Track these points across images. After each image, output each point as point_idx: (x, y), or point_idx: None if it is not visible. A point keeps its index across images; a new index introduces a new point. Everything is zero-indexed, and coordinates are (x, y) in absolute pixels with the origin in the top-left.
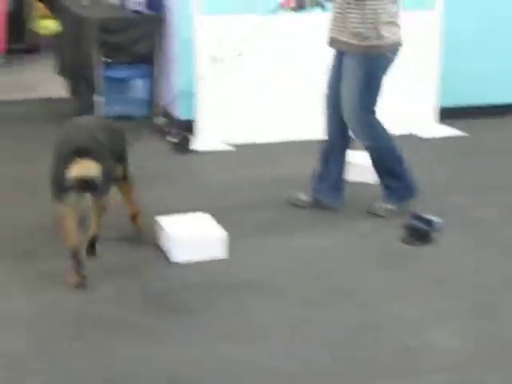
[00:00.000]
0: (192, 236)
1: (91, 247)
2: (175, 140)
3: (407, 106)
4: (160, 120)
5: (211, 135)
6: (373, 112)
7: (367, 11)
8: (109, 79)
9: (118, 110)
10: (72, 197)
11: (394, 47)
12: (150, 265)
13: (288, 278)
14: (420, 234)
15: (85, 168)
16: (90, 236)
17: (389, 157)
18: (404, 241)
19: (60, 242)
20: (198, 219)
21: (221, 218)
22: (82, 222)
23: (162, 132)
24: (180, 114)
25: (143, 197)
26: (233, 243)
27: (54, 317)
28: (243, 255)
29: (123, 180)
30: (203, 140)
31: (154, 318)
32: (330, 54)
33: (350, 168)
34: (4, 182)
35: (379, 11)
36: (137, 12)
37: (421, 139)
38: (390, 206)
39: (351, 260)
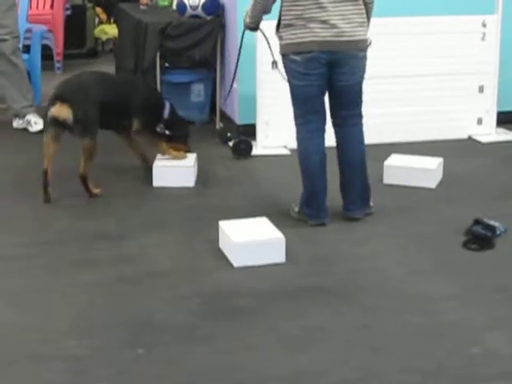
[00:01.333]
0: (253, 241)
1: (84, 185)
2: (235, 145)
3: (466, 111)
4: (220, 125)
5: (271, 140)
6: (299, 121)
7: (281, 12)
8: (169, 84)
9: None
10: (51, 131)
11: (294, 49)
12: (212, 270)
13: (346, 283)
14: (482, 239)
15: (58, 110)
16: (79, 174)
17: (300, 165)
18: (465, 246)
19: None
20: (258, 224)
21: (280, 222)
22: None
23: (222, 137)
24: (240, 118)
25: (205, 201)
26: (291, 248)
27: (116, 323)
28: (302, 260)
29: (138, 132)
30: (263, 145)
31: (215, 323)
32: None
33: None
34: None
35: (283, 12)
36: (195, 16)
37: (479, 143)
38: (296, 208)
39: (411, 265)
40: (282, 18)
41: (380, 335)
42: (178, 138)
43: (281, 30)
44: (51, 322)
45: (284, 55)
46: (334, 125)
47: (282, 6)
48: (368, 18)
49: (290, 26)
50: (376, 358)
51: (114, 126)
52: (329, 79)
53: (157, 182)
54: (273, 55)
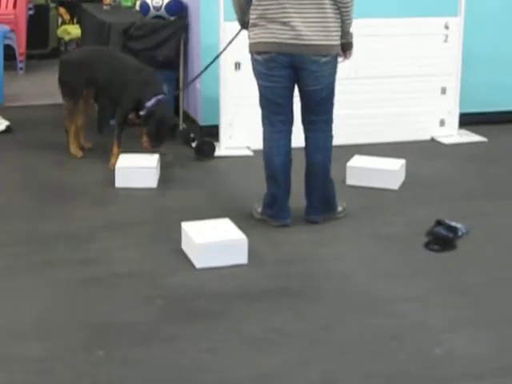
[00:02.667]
0: (215, 242)
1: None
2: (198, 146)
3: (428, 112)
4: (183, 126)
5: (234, 141)
6: (265, 121)
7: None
8: None
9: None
10: None
11: (256, 49)
12: (174, 271)
13: (310, 284)
14: (444, 240)
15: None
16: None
17: (264, 165)
18: (427, 247)
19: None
20: (221, 225)
21: (243, 223)
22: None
23: (185, 138)
24: (203, 119)
25: (168, 202)
26: (254, 249)
27: (77, 325)
28: (264, 261)
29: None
30: (226, 146)
31: (177, 325)
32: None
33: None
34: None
35: (250, 11)
36: (159, 17)
37: (442, 145)
38: (258, 209)
39: (373, 266)
40: (250, 17)
41: (342, 337)
42: (150, 134)
43: (249, 29)
44: (11, 323)
45: (250, 54)
46: (303, 128)
47: (251, 5)
48: (344, 22)
49: (254, 25)
50: (338, 360)
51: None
52: (296, 83)
53: (119, 183)
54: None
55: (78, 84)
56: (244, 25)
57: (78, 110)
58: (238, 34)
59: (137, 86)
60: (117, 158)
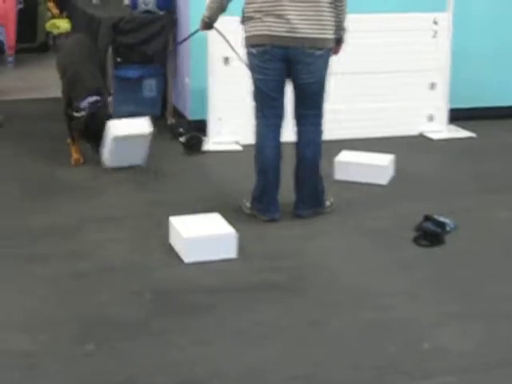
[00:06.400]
0: (203, 236)
1: None
2: (186, 140)
3: (417, 108)
4: (172, 120)
5: (222, 136)
6: (258, 114)
7: (244, 5)
8: (121, 79)
9: (130, 109)
10: None
11: (251, 42)
12: (163, 265)
13: (298, 279)
14: (432, 235)
15: None
16: None
17: (255, 158)
18: (416, 242)
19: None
20: (210, 219)
21: (232, 218)
22: None
23: (173, 132)
24: (191, 114)
25: (157, 196)
26: (243, 243)
27: (67, 318)
28: (253, 255)
29: None
30: (214, 140)
31: (166, 318)
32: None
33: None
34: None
35: (245, 5)
36: (148, 12)
37: (430, 140)
38: (247, 203)
39: (363, 261)
40: (245, 10)
41: (330, 331)
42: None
43: (244, 22)
44: (1, 317)
45: (246, 47)
46: (295, 122)
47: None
48: (338, 16)
49: (250, 18)
50: (327, 354)
51: None
52: (289, 76)
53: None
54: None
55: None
56: (212, 25)
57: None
58: (194, 32)
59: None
60: (75, 152)
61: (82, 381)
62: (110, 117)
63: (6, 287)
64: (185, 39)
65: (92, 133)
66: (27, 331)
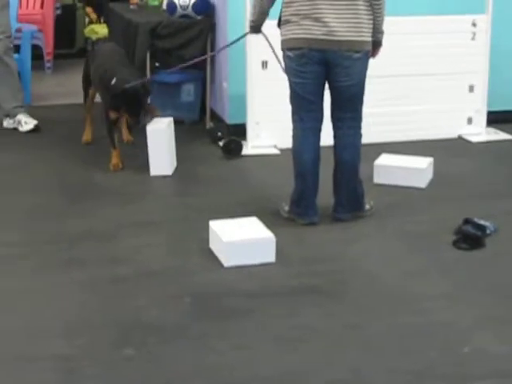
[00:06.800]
0: (243, 240)
1: None
2: (225, 144)
3: (456, 110)
4: (210, 124)
5: (261, 140)
6: (295, 117)
7: (282, 8)
8: (159, 84)
9: (168, 114)
10: None
11: (288, 45)
12: (202, 269)
13: (337, 282)
14: (472, 239)
15: None
16: None
17: (293, 162)
18: (456, 246)
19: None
20: (248, 223)
21: (271, 222)
22: None
23: (212, 136)
24: (229, 118)
25: (196, 201)
26: (282, 247)
27: (105, 323)
28: (292, 260)
29: None
30: (253, 144)
31: (205, 323)
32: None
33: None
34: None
35: (283, 9)
36: (185, 16)
37: (469, 143)
38: (286, 207)
39: (401, 265)
40: (282, 14)
41: (370, 335)
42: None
43: (281, 26)
44: (40, 322)
45: (282, 51)
46: (333, 125)
47: (283, 2)
48: (376, 19)
49: (287, 22)
50: (366, 358)
51: None
52: (327, 79)
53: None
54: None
55: (85, 78)
56: (259, 29)
57: (88, 103)
58: (243, 36)
59: (104, 84)
60: (115, 157)
61: None
62: (150, 92)
63: (44, 292)
64: (232, 42)
65: (132, 107)
66: (66, 336)
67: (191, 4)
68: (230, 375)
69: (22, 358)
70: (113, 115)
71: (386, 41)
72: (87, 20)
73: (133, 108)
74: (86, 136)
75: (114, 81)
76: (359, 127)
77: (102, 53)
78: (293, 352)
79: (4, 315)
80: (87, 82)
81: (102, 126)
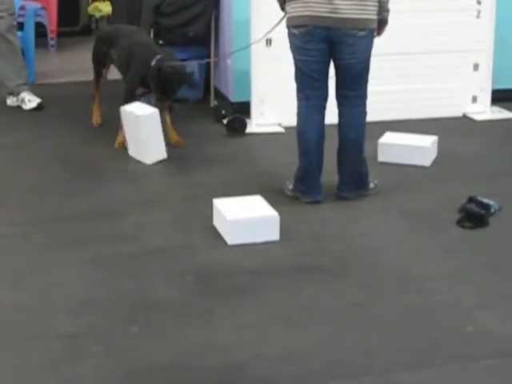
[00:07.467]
0: (247, 218)
1: None
2: (229, 122)
3: (460, 89)
4: (214, 103)
5: (265, 118)
6: (299, 95)
7: None
8: None
9: None
10: None
11: (292, 22)
12: (206, 247)
13: (341, 261)
14: (476, 217)
15: None
16: None
17: (297, 140)
18: (460, 224)
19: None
20: (252, 201)
21: (274, 200)
22: None
23: (216, 114)
24: (234, 96)
25: (200, 179)
26: (286, 226)
27: (111, 300)
28: (296, 238)
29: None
30: (257, 122)
31: (209, 301)
32: None
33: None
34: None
35: None
36: None
37: (474, 121)
38: (290, 186)
39: (406, 244)
40: None
41: (373, 314)
42: (157, 87)
43: (286, 3)
44: (45, 299)
45: (287, 28)
46: (337, 103)
47: None
48: None
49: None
50: (369, 337)
51: None
52: (332, 57)
53: (150, 159)
54: None
55: (99, 58)
56: (282, 8)
57: (101, 83)
58: (282, 19)
59: (141, 60)
60: (120, 135)
61: (126, 362)
62: (183, 73)
63: (49, 270)
64: (271, 30)
65: (164, 87)
66: (71, 314)
67: None
68: (233, 354)
69: (27, 335)
70: (140, 91)
71: (390, 19)
72: None
73: (171, 87)
74: (96, 118)
75: (154, 61)
76: (364, 105)
77: (128, 34)
78: (297, 331)
79: (10, 293)
80: (100, 62)
81: (105, 103)
